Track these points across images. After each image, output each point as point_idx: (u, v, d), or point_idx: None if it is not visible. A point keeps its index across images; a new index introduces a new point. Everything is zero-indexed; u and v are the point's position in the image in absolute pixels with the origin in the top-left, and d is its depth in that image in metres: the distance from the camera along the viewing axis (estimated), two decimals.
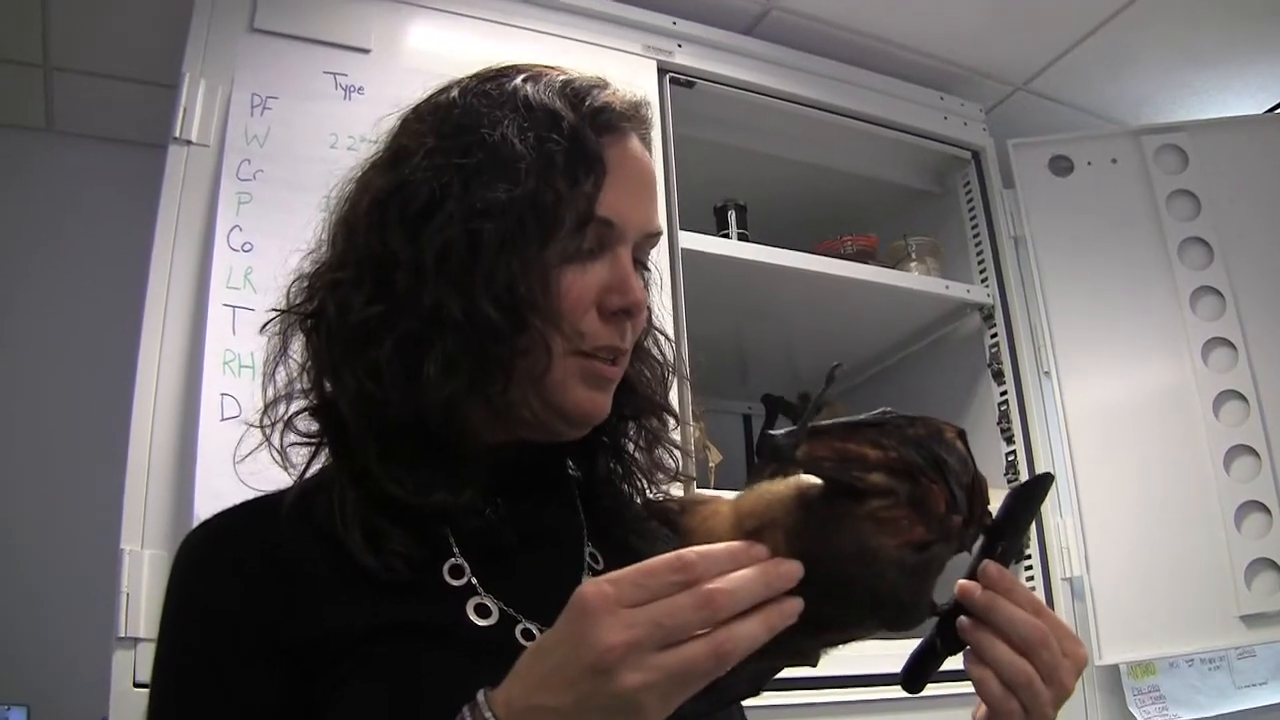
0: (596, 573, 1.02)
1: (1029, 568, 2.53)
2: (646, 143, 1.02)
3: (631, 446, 1.11)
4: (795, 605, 0.74)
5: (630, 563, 0.83)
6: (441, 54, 2.23)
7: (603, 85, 1.00)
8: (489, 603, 0.93)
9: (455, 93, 0.99)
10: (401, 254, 0.91)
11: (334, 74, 2.11)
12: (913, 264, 2.79)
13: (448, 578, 0.94)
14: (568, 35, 2.39)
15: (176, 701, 0.90)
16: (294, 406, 1.00)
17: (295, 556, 0.91)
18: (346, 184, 1.02)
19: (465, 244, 0.89)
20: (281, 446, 1.00)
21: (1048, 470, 0.85)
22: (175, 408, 1.83)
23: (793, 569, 0.74)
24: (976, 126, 2.92)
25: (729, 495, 0.87)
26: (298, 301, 1.00)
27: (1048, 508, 2.55)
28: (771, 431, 0.76)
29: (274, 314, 1.01)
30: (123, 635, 1.69)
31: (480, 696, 0.75)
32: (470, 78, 1.01)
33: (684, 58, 2.52)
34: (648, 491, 1.12)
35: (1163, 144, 2.78)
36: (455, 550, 0.95)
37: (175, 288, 1.89)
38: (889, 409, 0.79)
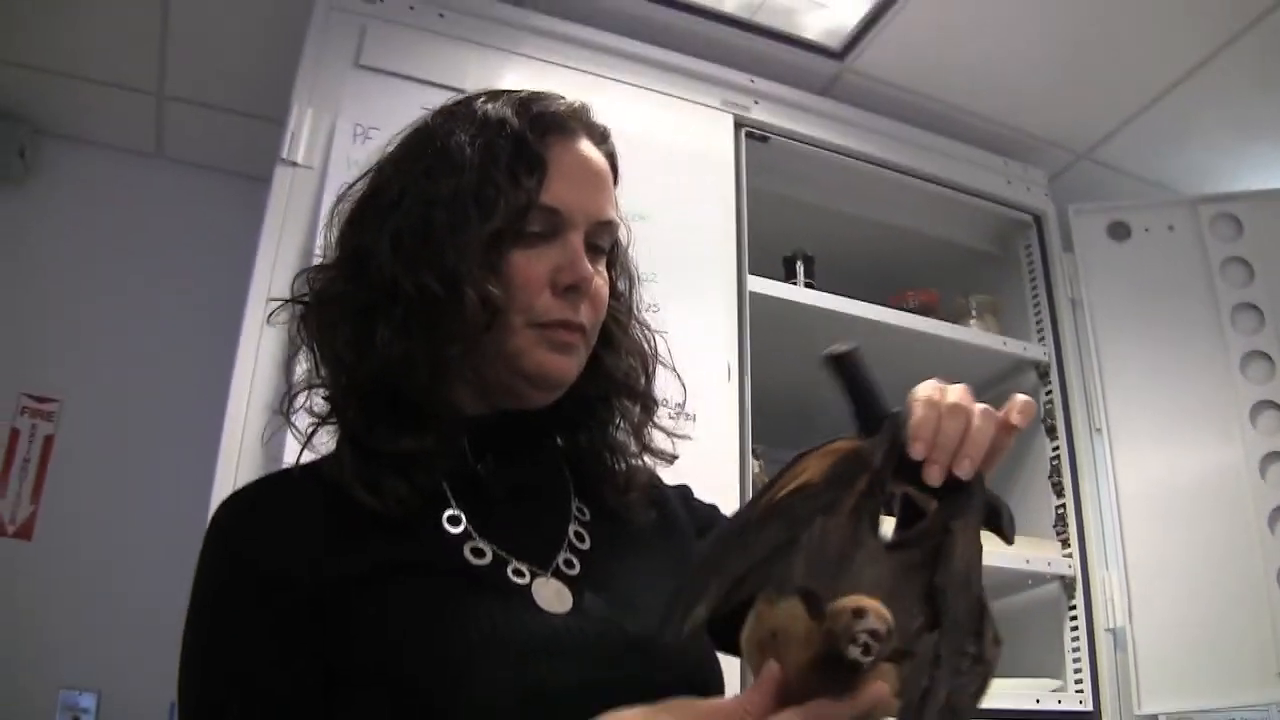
0: (583, 524, 1.15)
1: (1073, 618, 2.58)
2: (601, 142, 1.16)
3: (614, 431, 1.21)
4: None
5: (616, 522, 1.08)
6: None
7: (554, 97, 1.14)
8: (483, 545, 1.05)
9: (429, 117, 1.15)
10: (371, 244, 1.06)
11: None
12: (973, 320, 2.86)
13: (447, 526, 1.05)
14: (651, 87, 2.53)
15: (209, 641, 1.00)
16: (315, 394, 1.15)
17: (310, 512, 1.03)
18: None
19: (419, 229, 1.04)
20: (304, 430, 1.13)
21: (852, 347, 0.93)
22: (266, 409, 1.94)
23: None
24: (1039, 192, 3.01)
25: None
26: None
27: (1094, 560, 2.62)
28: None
29: (277, 302, 1.16)
30: None
31: None
32: (446, 103, 1.17)
33: (760, 113, 2.65)
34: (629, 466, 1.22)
35: (1218, 212, 2.84)
36: (452, 501, 1.07)
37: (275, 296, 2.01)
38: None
